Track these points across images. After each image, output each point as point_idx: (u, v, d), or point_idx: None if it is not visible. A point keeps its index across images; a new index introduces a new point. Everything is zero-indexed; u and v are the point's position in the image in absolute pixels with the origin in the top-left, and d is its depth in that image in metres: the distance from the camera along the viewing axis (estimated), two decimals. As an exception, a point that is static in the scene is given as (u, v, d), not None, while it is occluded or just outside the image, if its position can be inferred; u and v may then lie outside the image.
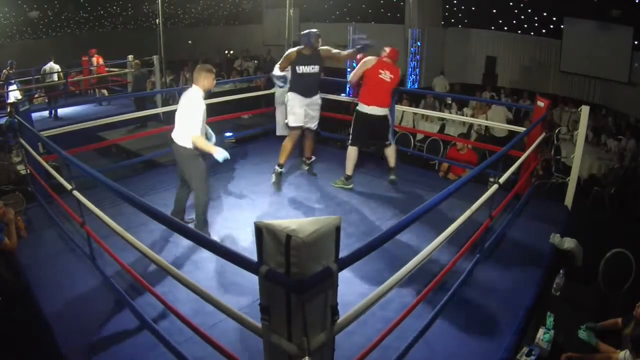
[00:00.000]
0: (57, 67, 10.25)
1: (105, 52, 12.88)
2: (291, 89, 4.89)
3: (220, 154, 3.58)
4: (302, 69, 4.79)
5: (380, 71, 4.67)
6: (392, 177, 5.09)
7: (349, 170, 4.96)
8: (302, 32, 4.88)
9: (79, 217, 3.34)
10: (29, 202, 4.51)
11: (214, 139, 3.89)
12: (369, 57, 4.77)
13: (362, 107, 4.78)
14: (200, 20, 19.37)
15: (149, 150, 6.35)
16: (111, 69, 11.88)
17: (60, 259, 3.63)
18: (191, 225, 3.90)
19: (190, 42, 18.89)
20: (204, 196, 3.78)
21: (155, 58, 9.94)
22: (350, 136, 4.97)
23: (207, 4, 17.75)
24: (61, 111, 9.51)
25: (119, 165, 5.88)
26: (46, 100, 10.20)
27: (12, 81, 9.74)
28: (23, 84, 10.23)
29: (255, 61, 15.48)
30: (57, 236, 3.98)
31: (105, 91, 11.34)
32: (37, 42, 15.86)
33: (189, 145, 3.63)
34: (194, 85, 3.69)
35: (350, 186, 4.98)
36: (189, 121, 3.57)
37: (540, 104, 4.66)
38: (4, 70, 10.10)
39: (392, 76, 4.71)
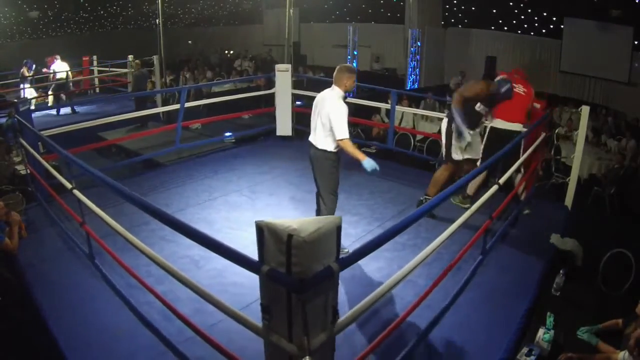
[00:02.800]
0: (65, 65, 10.13)
1: (105, 52, 12.89)
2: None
3: (369, 164, 3.35)
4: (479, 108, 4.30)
5: (515, 85, 4.41)
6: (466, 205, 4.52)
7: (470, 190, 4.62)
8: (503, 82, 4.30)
9: (79, 216, 3.34)
10: (29, 202, 4.50)
11: None
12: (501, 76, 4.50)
13: (495, 123, 4.48)
14: (200, 20, 19.37)
15: (149, 150, 6.36)
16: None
17: (60, 258, 3.63)
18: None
19: (190, 42, 18.90)
20: (331, 205, 3.60)
21: (155, 58, 9.94)
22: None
23: (207, 4, 17.74)
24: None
25: (119, 165, 5.88)
26: (46, 100, 10.17)
27: (29, 78, 9.76)
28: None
29: (253, 61, 15.49)
30: (57, 236, 3.98)
31: (63, 96, 10.88)
32: (37, 42, 15.86)
33: (330, 149, 3.48)
34: (334, 86, 3.49)
35: (467, 205, 4.42)
36: (337, 126, 3.36)
37: (536, 105, 4.66)
38: (23, 70, 10.06)
39: (525, 90, 4.44)
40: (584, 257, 3.83)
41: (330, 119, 3.39)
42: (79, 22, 16.86)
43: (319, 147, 3.52)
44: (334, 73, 3.51)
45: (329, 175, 3.56)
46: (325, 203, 3.61)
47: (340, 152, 3.53)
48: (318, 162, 3.58)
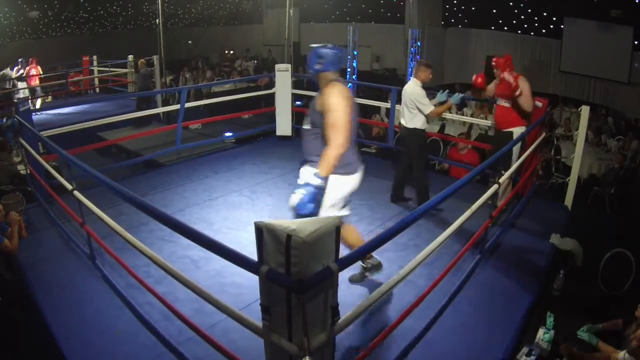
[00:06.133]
0: (11, 73, 9.82)
1: (105, 52, 12.90)
2: None
3: (456, 99, 4.38)
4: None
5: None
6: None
7: None
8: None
9: (79, 217, 3.34)
10: (29, 202, 4.50)
11: None
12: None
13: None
14: (200, 20, 19.34)
15: (149, 150, 6.36)
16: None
17: (60, 259, 3.63)
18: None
19: (190, 42, 18.88)
20: (422, 174, 4.39)
21: (155, 58, 9.95)
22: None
23: (207, 4, 17.72)
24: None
25: (119, 165, 5.88)
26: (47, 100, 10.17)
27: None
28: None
29: (255, 61, 15.48)
30: (57, 236, 3.98)
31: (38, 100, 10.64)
32: (37, 42, 15.84)
33: (418, 126, 4.33)
34: (412, 78, 4.38)
35: None
36: (421, 105, 4.23)
37: (538, 104, 4.65)
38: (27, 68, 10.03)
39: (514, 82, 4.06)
40: (584, 257, 3.82)
41: (415, 101, 4.25)
42: (79, 22, 16.83)
43: (409, 126, 4.35)
44: (415, 67, 4.43)
45: (418, 148, 4.35)
46: (419, 173, 4.37)
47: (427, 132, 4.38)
48: (410, 139, 4.38)
